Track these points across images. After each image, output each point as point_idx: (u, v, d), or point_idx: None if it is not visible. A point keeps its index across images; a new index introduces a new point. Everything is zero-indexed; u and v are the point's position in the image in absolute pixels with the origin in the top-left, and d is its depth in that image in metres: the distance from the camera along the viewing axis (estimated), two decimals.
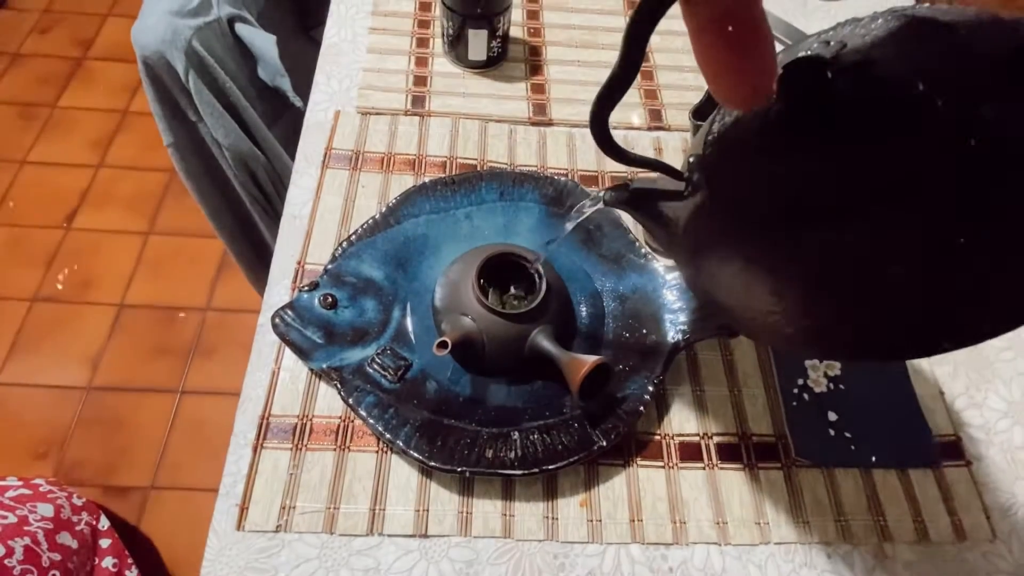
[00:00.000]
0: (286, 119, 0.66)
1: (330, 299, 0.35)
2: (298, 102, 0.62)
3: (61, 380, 1.04)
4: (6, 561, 0.67)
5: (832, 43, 0.19)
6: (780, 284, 0.20)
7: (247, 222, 0.66)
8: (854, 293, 0.18)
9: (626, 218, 0.40)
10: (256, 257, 0.71)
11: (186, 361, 1.08)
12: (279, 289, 0.38)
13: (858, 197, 0.17)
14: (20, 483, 0.79)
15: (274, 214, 0.66)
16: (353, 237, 0.38)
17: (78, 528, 0.79)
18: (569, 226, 0.30)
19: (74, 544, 0.76)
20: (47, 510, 0.76)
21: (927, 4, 0.18)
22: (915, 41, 0.17)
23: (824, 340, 0.21)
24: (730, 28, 0.15)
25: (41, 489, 0.80)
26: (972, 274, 0.16)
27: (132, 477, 0.97)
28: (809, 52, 0.19)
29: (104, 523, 0.83)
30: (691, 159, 0.24)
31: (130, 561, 0.83)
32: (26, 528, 0.72)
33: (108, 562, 0.80)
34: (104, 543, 0.82)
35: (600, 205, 0.28)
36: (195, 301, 1.14)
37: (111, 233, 1.19)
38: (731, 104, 0.17)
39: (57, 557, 0.72)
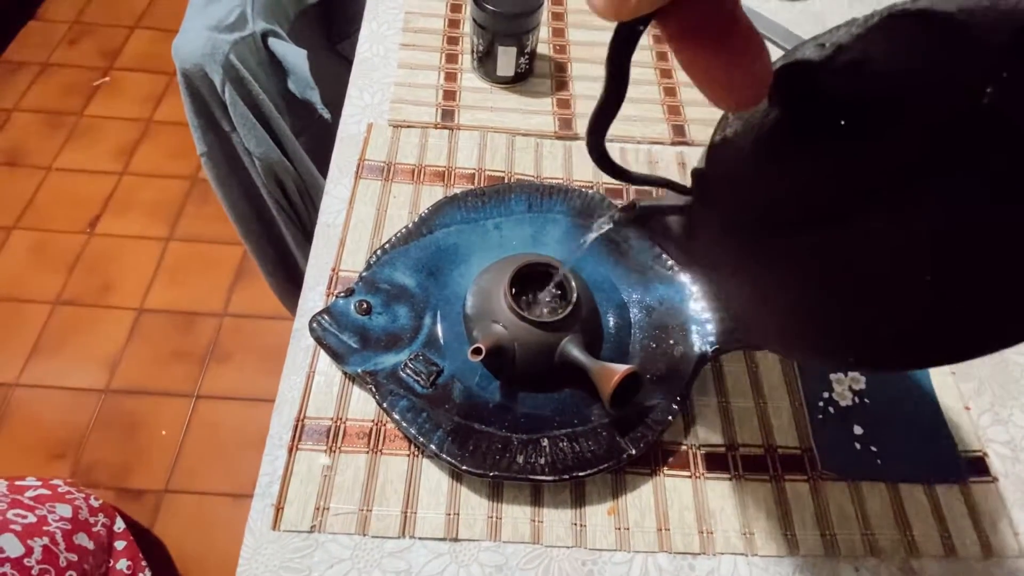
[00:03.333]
0: (313, 130, 0.67)
1: (365, 305, 0.36)
2: (326, 114, 0.64)
3: (80, 382, 1.06)
4: (25, 560, 0.68)
5: (827, 45, 0.19)
6: (784, 293, 0.20)
7: (273, 230, 0.68)
8: (852, 296, 0.18)
9: None
10: (280, 264, 0.72)
11: (202, 366, 1.09)
12: (314, 295, 0.39)
13: (856, 200, 0.17)
14: (39, 483, 0.80)
15: (299, 223, 0.67)
16: (387, 245, 0.39)
17: (95, 529, 0.79)
18: (584, 245, 0.31)
19: (91, 545, 0.77)
20: (65, 511, 0.77)
21: None
22: (910, 35, 0.17)
23: (832, 347, 0.20)
24: (711, 34, 0.15)
25: (59, 490, 0.81)
26: (987, 273, 0.15)
27: (147, 480, 0.98)
28: (803, 56, 0.19)
29: (120, 525, 0.84)
30: (694, 172, 0.24)
31: (144, 564, 0.84)
32: (45, 528, 0.73)
33: (123, 564, 0.81)
34: (119, 545, 0.82)
35: (611, 225, 0.29)
36: (212, 307, 1.16)
37: (132, 239, 1.22)
38: (724, 106, 0.17)
39: (74, 557, 0.73)
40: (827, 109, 0.18)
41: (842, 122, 0.17)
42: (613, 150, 0.47)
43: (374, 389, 0.34)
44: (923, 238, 0.16)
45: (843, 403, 0.37)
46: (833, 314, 0.19)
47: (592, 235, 0.30)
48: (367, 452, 0.34)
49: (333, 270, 0.40)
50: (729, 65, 0.16)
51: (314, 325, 0.35)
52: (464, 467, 0.32)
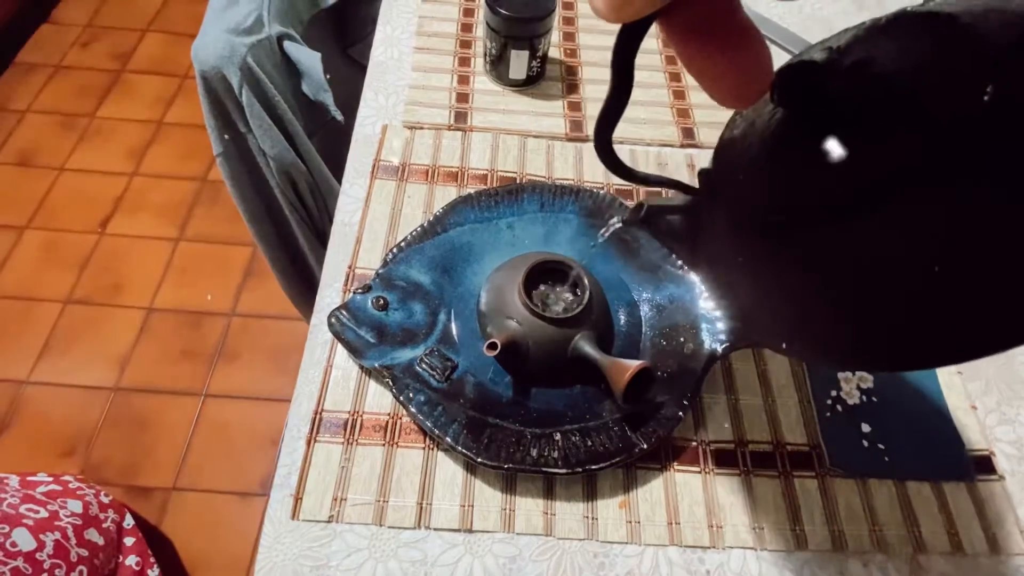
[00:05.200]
0: (325, 131, 0.68)
1: (382, 301, 0.37)
2: (339, 116, 0.65)
3: (89, 380, 1.07)
4: (37, 555, 0.68)
5: (834, 48, 0.19)
6: (788, 291, 0.20)
7: (285, 230, 0.69)
8: (854, 297, 0.18)
9: None
10: (291, 263, 0.73)
11: (210, 365, 1.10)
12: (331, 292, 0.39)
13: (857, 200, 0.17)
14: (50, 479, 0.81)
15: (311, 223, 0.68)
16: (403, 244, 0.40)
17: (104, 525, 0.80)
18: (597, 244, 0.32)
19: (101, 541, 0.78)
20: (76, 506, 0.78)
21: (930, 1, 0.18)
22: (915, 36, 0.17)
23: (833, 344, 0.20)
24: (712, 32, 0.15)
25: (71, 486, 0.81)
26: (989, 272, 0.15)
27: (155, 478, 0.99)
28: (808, 58, 0.19)
29: (129, 521, 0.85)
30: (701, 172, 0.24)
31: (152, 560, 0.84)
32: (56, 523, 0.73)
33: (132, 560, 0.82)
34: (128, 541, 0.83)
35: (620, 225, 0.29)
36: (221, 306, 1.17)
37: (143, 239, 1.23)
38: (725, 103, 0.17)
39: (84, 553, 0.74)
40: (830, 109, 0.18)
41: (845, 123, 0.17)
42: (623, 152, 0.48)
43: (391, 383, 0.34)
44: (924, 237, 0.16)
45: (851, 401, 0.37)
46: (836, 312, 0.19)
47: (606, 233, 0.31)
48: (383, 445, 0.34)
49: (350, 267, 0.40)
50: (729, 62, 0.16)
51: (332, 320, 0.36)
52: (479, 459, 0.32)
